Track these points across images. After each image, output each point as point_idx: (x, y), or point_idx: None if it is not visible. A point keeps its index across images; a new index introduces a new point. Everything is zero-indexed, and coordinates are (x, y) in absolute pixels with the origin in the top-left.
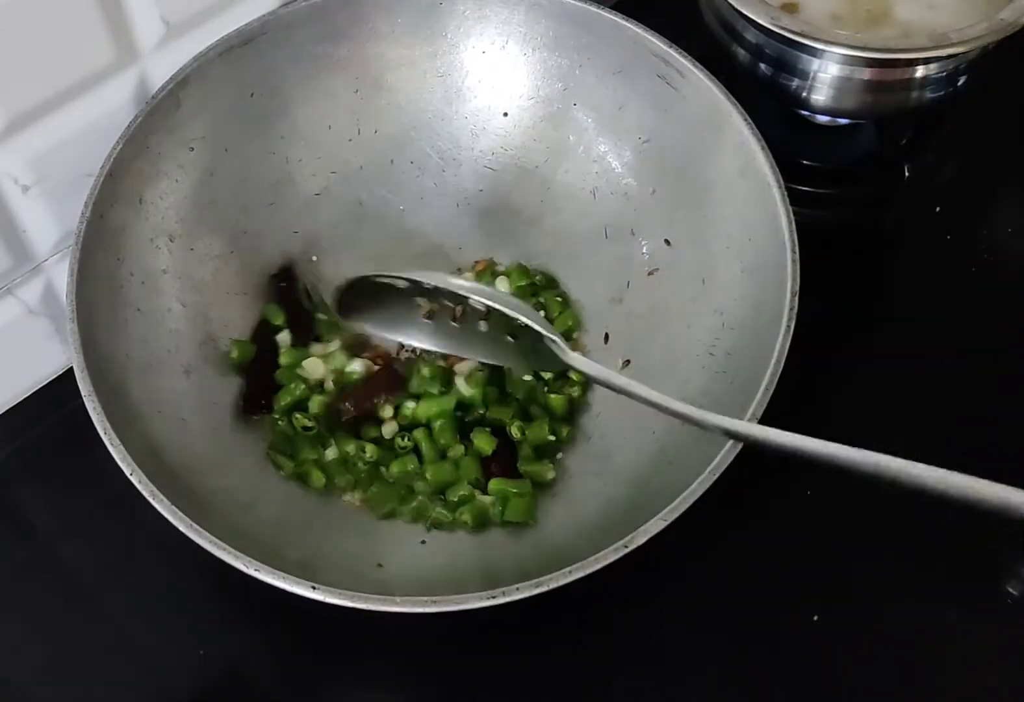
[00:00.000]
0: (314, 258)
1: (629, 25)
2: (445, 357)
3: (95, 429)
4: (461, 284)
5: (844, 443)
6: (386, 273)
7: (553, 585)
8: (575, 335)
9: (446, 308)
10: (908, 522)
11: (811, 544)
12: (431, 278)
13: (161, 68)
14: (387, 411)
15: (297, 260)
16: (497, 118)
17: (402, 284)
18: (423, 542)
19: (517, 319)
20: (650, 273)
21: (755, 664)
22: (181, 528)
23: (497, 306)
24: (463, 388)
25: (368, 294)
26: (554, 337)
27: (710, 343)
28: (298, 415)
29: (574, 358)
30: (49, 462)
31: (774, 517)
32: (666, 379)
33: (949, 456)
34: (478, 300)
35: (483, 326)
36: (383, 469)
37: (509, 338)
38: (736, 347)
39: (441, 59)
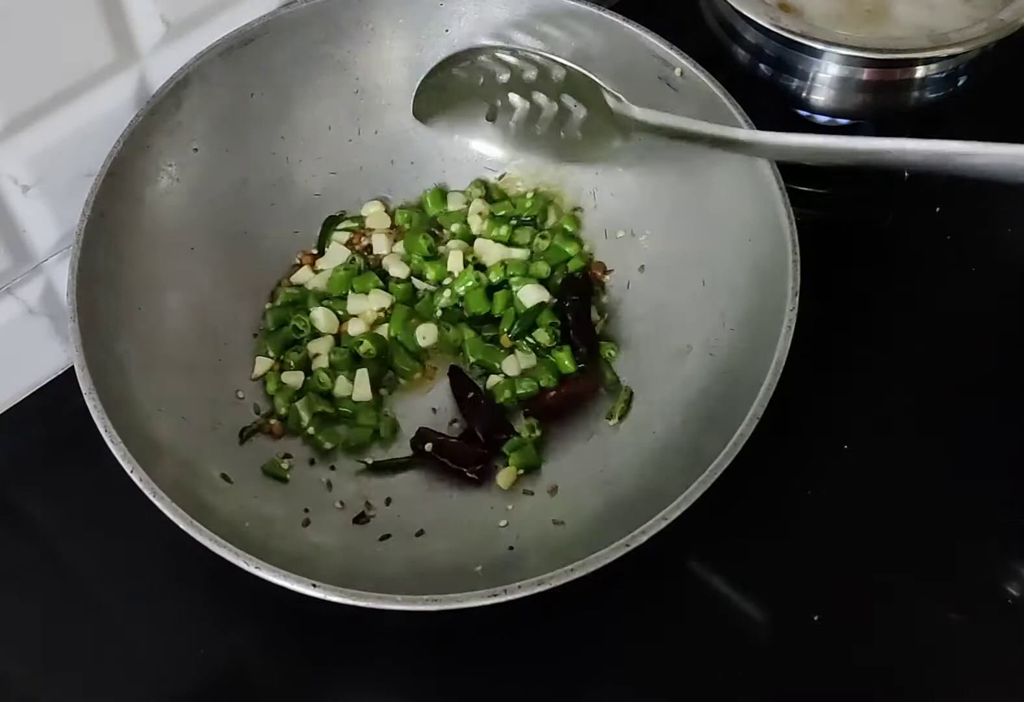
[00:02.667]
0: None
1: (629, 26)
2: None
3: (95, 428)
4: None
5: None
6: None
7: (554, 584)
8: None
9: (511, 108)
10: (908, 522)
11: (811, 544)
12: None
13: (161, 68)
14: None
15: None
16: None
17: (480, 77)
18: (420, 533)
19: (586, 76)
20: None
21: (755, 664)
22: (182, 526)
23: (571, 66)
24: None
25: (443, 95)
26: (617, 94)
27: (710, 343)
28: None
29: (636, 110)
30: (49, 462)
31: (774, 517)
32: (666, 379)
33: (949, 454)
34: (553, 60)
35: (539, 130)
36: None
37: (561, 134)
38: (736, 347)
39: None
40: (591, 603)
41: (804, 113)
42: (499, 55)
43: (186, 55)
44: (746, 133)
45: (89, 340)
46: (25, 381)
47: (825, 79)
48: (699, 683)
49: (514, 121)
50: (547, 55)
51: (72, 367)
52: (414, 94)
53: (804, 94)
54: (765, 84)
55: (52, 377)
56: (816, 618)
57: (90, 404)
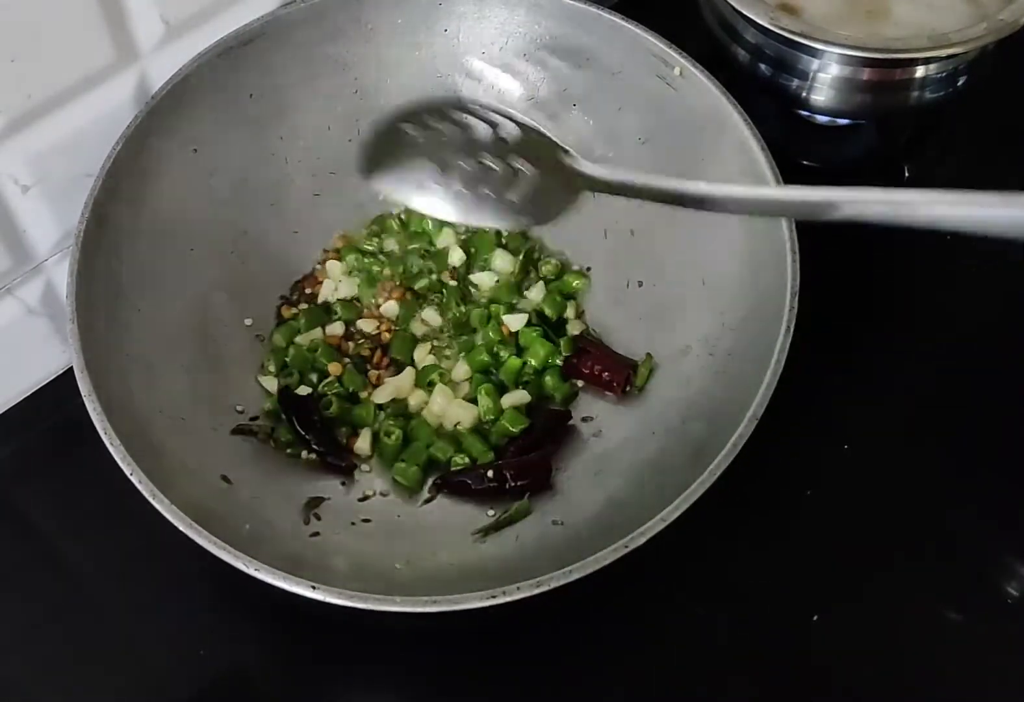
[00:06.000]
0: None
1: (628, 26)
2: None
3: (95, 429)
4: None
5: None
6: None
7: (553, 585)
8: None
9: (462, 170)
10: (907, 522)
11: (811, 544)
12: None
13: (161, 68)
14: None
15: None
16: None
17: (424, 136)
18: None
19: (535, 130)
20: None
21: (755, 663)
22: (181, 527)
23: (519, 119)
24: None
25: (390, 152)
26: (567, 148)
27: (710, 343)
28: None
29: (588, 166)
30: (49, 462)
31: (774, 517)
32: (666, 379)
33: (949, 454)
34: (504, 116)
35: (487, 193)
36: None
37: (513, 199)
38: (736, 347)
39: (441, 60)
40: (590, 604)
41: (804, 113)
42: (447, 112)
43: (186, 55)
44: (708, 187)
45: (88, 342)
46: (25, 381)
47: (825, 79)
48: (698, 684)
49: (461, 183)
50: (498, 110)
51: (72, 368)
52: (360, 148)
53: (804, 94)
54: (765, 84)
55: (52, 377)
56: (816, 618)
57: (89, 406)
